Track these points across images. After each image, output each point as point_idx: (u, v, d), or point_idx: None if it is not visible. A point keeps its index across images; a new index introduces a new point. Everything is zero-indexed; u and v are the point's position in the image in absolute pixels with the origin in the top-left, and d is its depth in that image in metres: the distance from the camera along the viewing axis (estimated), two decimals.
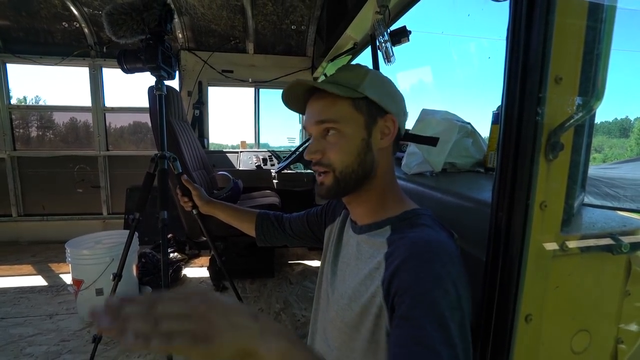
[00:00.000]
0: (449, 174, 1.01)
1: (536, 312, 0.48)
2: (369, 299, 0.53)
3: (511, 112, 0.48)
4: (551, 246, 0.47)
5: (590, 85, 0.46)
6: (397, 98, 0.61)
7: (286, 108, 0.66)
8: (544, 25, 0.44)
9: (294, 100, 0.63)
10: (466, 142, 1.00)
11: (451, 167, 1.02)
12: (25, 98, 4.10)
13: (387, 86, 0.60)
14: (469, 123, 1.05)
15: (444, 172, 1.01)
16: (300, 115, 3.61)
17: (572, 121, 0.44)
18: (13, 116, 3.13)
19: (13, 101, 3.20)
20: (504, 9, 0.51)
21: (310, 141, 0.61)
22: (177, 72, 1.36)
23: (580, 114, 0.44)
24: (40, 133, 3.36)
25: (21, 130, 3.28)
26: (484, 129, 1.07)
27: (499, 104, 0.94)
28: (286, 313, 1.93)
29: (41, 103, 4.25)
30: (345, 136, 0.57)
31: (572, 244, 0.49)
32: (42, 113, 3.34)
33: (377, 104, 0.57)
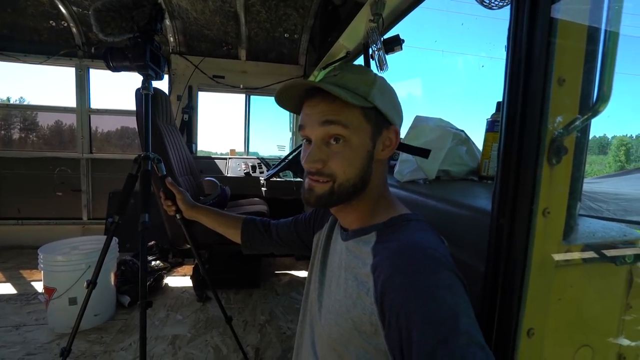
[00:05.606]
0: (442, 181, 0.98)
1: (539, 326, 0.45)
2: (360, 315, 0.48)
3: (513, 115, 0.46)
4: (554, 256, 0.45)
5: (594, 87, 0.44)
6: (399, 108, 0.58)
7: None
8: (547, 24, 0.43)
9: (289, 97, 0.57)
10: (460, 150, 0.99)
11: (445, 175, 1.00)
12: (8, 98, 3.96)
13: (393, 96, 0.57)
14: (462, 130, 1.04)
15: (438, 179, 0.99)
16: (291, 123, 3.61)
17: (577, 123, 0.42)
18: None
19: None
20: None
21: (309, 148, 0.55)
22: (164, 74, 1.31)
23: (586, 116, 0.42)
24: (23, 135, 3.23)
25: (2, 132, 3.14)
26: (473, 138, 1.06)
27: (491, 112, 0.94)
28: (271, 325, 1.86)
29: (25, 103, 4.12)
30: (351, 146, 0.52)
31: (575, 254, 0.46)
32: (25, 114, 3.22)
33: (384, 114, 0.54)
